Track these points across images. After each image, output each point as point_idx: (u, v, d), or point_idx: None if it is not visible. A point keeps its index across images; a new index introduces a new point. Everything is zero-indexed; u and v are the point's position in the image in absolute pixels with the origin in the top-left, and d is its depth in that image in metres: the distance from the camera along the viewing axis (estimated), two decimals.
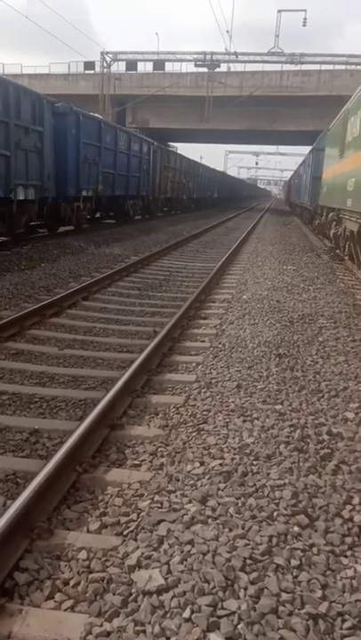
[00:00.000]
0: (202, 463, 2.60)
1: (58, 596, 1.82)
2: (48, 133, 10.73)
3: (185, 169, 26.39)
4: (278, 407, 3.27)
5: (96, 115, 16.98)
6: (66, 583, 1.88)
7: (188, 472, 2.52)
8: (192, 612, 1.67)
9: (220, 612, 1.67)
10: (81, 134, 12.44)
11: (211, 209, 34.57)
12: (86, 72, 36.94)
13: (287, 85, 33.89)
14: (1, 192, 9.11)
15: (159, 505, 2.26)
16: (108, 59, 35.13)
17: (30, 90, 10.30)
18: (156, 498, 2.32)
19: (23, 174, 9.80)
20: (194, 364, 4.22)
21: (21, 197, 9.81)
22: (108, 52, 35.30)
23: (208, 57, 32.79)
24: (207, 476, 2.47)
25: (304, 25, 32.99)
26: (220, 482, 2.42)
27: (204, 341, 4.90)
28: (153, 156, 19.78)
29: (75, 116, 12.26)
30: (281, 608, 1.69)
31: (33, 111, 10.02)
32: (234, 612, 1.67)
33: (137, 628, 1.63)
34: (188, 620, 1.65)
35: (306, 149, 25.63)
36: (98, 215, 16.13)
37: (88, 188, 13.37)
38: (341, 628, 1.63)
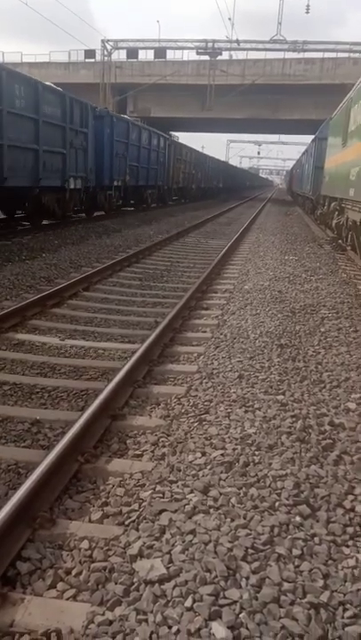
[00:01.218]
0: (203, 453, 2.60)
1: (60, 586, 1.83)
2: (91, 134, 13.15)
3: (194, 160, 28.63)
4: (280, 397, 3.27)
5: (124, 116, 18.95)
6: (68, 572, 1.89)
7: (190, 462, 2.53)
8: (194, 601, 1.68)
9: (221, 602, 1.67)
10: (114, 133, 14.96)
11: (216, 198, 35.48)
12: (87, 60, 36.66)
13: (290, 73, 33.59)
14: (59, 182, 11.57)
15: (161, 495, 2.26)
16: (108, 47, 34.82)
17: (79, 99, 12.65)
18: (158, 488, 2.32)
19: (73, 168, 12.17)
20: (195, 355, 4.22)
21: (72, 186, 12.23)
22: (108, 40, 34.98)
23: (210, 45, 32.49)
24: (209, 467, 2.48)
25: (307, 12, 32.72)
26: (221, 472, 2.42)
27: (205, 332, 4.89)
28: (168, 149, 22.03)
29: (109, 118, 14.90)
30: (283, 597, 1.70)
31: (80, 116, 12.40)
32: (236, 602, 1.67)
33: (139, 616, 1.64)
34: (189, 608, 1.65)
35: (308, 138, 25.50)
36: (119, 203, 17.73)
37: (118, 179, 15.81)
38: (343, 617, 1.64)
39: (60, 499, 2.33)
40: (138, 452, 2.73)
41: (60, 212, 12.17)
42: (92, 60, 36.25)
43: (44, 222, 12.35)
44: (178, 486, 2.32)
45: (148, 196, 20.01)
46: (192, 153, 28.37)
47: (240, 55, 34.57)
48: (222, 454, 2.57)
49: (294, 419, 2.96)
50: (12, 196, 10.33)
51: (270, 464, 2.49)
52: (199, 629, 1.57)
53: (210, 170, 34.81)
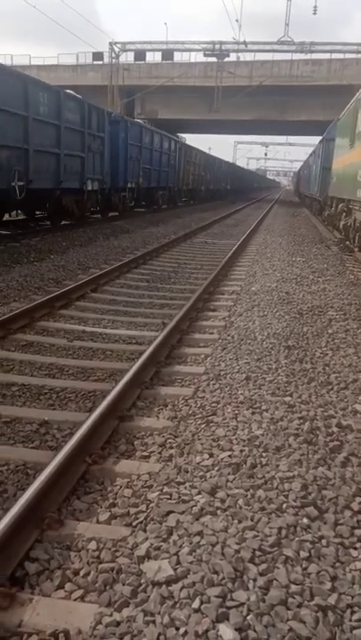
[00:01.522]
0: (211, 455, 2.60)
1: (68, 586, 1.84)
2: (107, 138, 13.90)
3: (203, 163, 29.38)
4: (287, 399, 3.26)
5: (138, 120, 20.12)
6: (76, 573, 1.90)
7: (197, 464, 2.53)
8: (201, 602, 1.68)
9: (229, 603, 1.67)
10: (128, 137, 15.66)
11: (224, 199, 35.90)
12: (95, 63, 36.77)
13: (297, 75, 33.52)
14: (77, 184, 12.30)
15: (168, 496, 2.27)
16: (116, 49, 34.91)
17: (96, 105, 13.50)
18: (166, 489, 2.32)
19: (91, 170, 12.93)
20: (203, 356, 4.22)
21: (90, 188, 12.98)
22: (116, 42, 35.07)
23: (217, 46, 32.48)
24: (216, 468, 2.48)
25: (314, 13, 32.64)
26: (229, 473, 2.42)
27: (212, 333, 4.89)
28: (178, 152, 22.84)
29: (124, 123, 15.67)
30: (290, 600, 1.69)
31: (98, 121, 13.15)
32: (243, 604, 1.67)
33: (146, 618, 1.64)
34: (197, 610, 1.65)
35: (316, 140, 25.42)
36: (132, 204, 18.39)
37: (132, 181, 16.48)
38: (351, 620, 1.63)
39: (67, 499, 2.34)
40: (145, 454, 2.73)
41: (79, 213, 12.96)
42: (100, 63, 36.36)
43: (64, 222, 13.00)
44: (185, 488, 2.33)
45: (160, 197, 20.75)
46: (201, 155, 29.22)
47: (247, 57, 34.57)
48: (230, 456, 2.57)
49: (302, 420, 2.96)
50: (35, 198, 10.89)
51: (278, 466, 2.48)
52: (207, 631, 1.57)
53: (218, 172, 35.50)
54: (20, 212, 12.77)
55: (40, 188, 10.55)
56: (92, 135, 12.73)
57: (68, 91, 11.96)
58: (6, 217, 12.29)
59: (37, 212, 13.01)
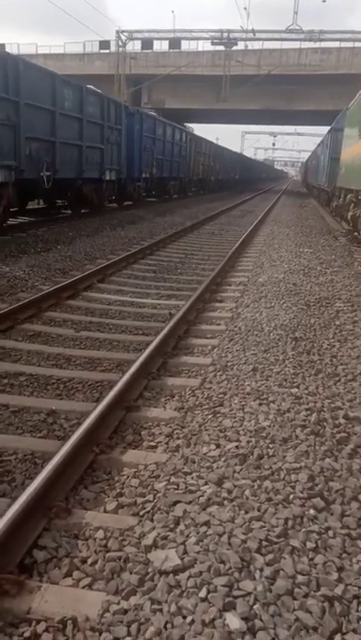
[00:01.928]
0: (218, 445, 2.61)
1: (76, 574, 1.85)
2: (123, 130, 14.58)
3: (213, 153, 29.80)
4: (295, 390, 3.26)
5: (152, 113, 20.10)
6: (83, 561, 1.91)
7: (204, 454, 2.53)
8: (208, 591, 1.69)
9: (235, 593, 1.68)
10: (143, 129, 16.31)
11: (233, 189, 36.04)
12: (102, 51, 36.51)
13: (306, 63, 33.15)
14: (97, 174, 13.02)
15: (175, 486, 2.27)
16: (123, 37, 34.66)
17: (115, 99, 14.70)
18: (173, 479, 2.33)
19: (109, 161, 13.64)
20: (210, 347, 4.22)
21: (108, 178, 13.75)
22: (123, 31, 34.81)
23: (225, 35, 32.15)
24: (223, 459, 2.48)
25: (323, 1, 32.16)
26: (235, 464, 2.43)
27: (219, 324, 4.88)
28: (189, 143, 23.44)
29: (139, 115, 16.26)
30: (297, 590, 1.70)
31: (115, 114, 13.88)
32: (250, 593, 1.68)
33: (153, 606, 1.65)
34: (204, 599, 1.66)
35: (324, 129, 25.20)
36: (144, 194, 19.10)
37: (146, 171, 17.15)
38: (358, 611, 1.64)
39: (75, 489, 2.35)
40: (152, 444, 2.74)
41: (97, 202, 13.80)
42: (107, 51, 36.11)
43: (82, 210, 13.59)
44: (192, 478, 2.33)
45: (171, 187, 21.39)
46: (211, 146, 29.65)
47: (256, 45, 34.21)
48: (236, 446, 2.58)
49: (309, 412, 2.95)
50: (59, 187, 11.34)
51: (285, 457, 2.49)
52: (213, 620, 1.58)
53: (227, 162, 35.79)
54: (41, 200, 13.26)
55: (64, 178, 11.19)
56: (110, 128, 13.46)
57: (89, 86, 12.58)
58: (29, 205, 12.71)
59: (58, 201, 13.51)
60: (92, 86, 13.00)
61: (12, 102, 8.85)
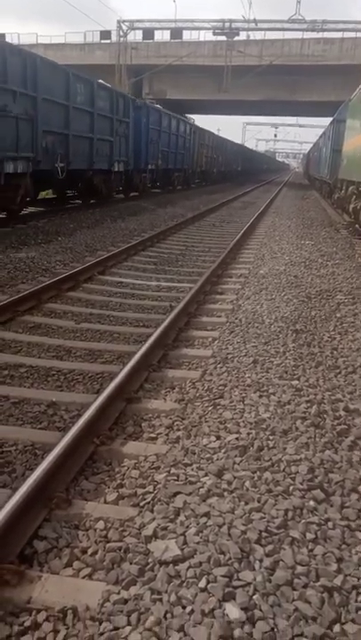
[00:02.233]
0: (218, 437, 2.61)
1: (76, 564, 1.86)
2: (131, 123, 15.16)
3: (216, 145, 30.30)
4: (295, 383, 3.26)
5: (157, 106, 20.36)
6: (84, 552, 1.92)
7: (205, 446, 2.54)
8: (208, 582, 1.70)
9: (235, 583, 1.69)
10: (149, 122, 16.91)
11: (235, 181, 36.42)
12: (102, 41, 36.19)
13: (308, 54, 32.85)
14: (106, 165, 13.54)
15: (175, 477, 2.28)
16: (124, 27, 34.34)
17: (123, 92, 15.60)
18: (173, 470, 2.34)
19: (118, 153, 14.18)
20: (210, 340, 4.21)
21: (116, 169, 14.31)
22: (124, 21, 34.49)
23: (227, 25, 31.84)
24: (223, 450, 2.49)
25: None
26: (236, 456, 2.43)
27: (220, 316, 4.88)
28: (193, 135, 23.94)
29: (146, 108, 16.81)
30: (296, 580, 1.71)
31: (124, 108, 14.48)
32: (249, 583, 1.69)
33: (153, 596, 1.66)
34: (203, 589, 1.67)
35: (326, 121, 25.07)
36: (149, 185, 19.40)
37: (152, 163, 17.70)
38: (357, 601, 1.65)
39: (75, 480, 2.36)
40: (153, 435, 2.75)
41: (106, 192, 14.37)
42: (108, 41, 35.78)
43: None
44: (192, 469, 2.34)
45: (175, 178, 22.02)
46: (214, 138, 30.27)
47: (258, 35, 33.86)
48: (237, 438, 2.58)
49: (309, 404, 2.95)
50: (71, 178, 11.75)
51: (285, 449, 2.49)
52: (213, 610, 1.59)
53: (229, 154, 36.23)
54: (50, 191, 13.74)
55: (76, 169, 11.68)
56: (119, 120, 14.05)
57: (100, 81, 13.26)
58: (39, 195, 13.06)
59: (68, 191, 14.00)
60: (102, 81, 13.68)
61: (31, 97, 9.35)
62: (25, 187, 9.71)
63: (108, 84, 14.06)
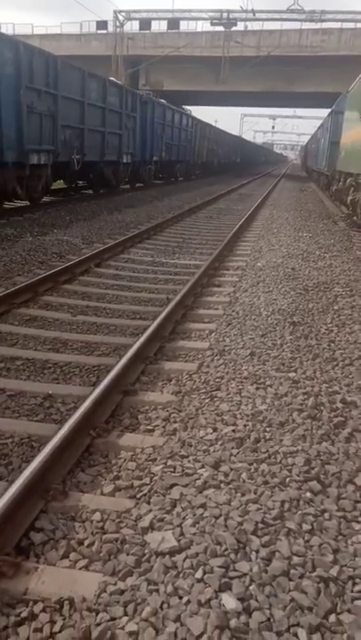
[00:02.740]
0: (215, 429, 2.61)
1: (72, 556, 1.86)
2: (138, 117, 16.15)
3: (216, 137, 31.16)
4: (292, 375, 3.26)
5: (162, 100, 20.71)
6: (80, 543, 1.92)
7: (201, 438, 2.54)
8: (204, 572, 1.70)
9: (231, 574, 1.69)
10: (154, 116, 17.90)
11: (234, 172, 36.97)
12: (99, 32, 35.85)
13: (306, 45, 32.62)
14: (116, 157, 14.52)
15: (172, 469, 2.28)
16: (120, 17, 34.01)
17: (132, 89, 16.54)
18: (169, 462, 2.34)
19: (126, 145, 15.17)
20: (207, 332, 4.21)
21: (125, 161, 15.31)
22: (121, 11, 34.14)
23: (224, 15, 31.58)
24: (220, 442, 2.49)
25: None
26: (232, 448, 2.43)
27: (217, 309, 4.87)
28: (194, 128, 24.87)
29: (151, 103, 17.77)
30: (292, 571, 1.71)
31: (132, 103, 15.48)
32: (246, 574, 1.69)
33: (150, 587, 1.66)
34: (200, 580, 1.67)
35: (324, 112, 24.97)
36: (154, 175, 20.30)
37: (157, 155, 18.70)
38: (352, 591, 1.65)
39: (72, 472, 2.36)
40: (149, 427, 2.75)
41: (115, 182, 15.40)
42: (104, 32, 35.45)
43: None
44: (189, 461, 2.34)
45: (178, 170, 23.05)
46: (214, 130, 31.13)
47: (255, 26, 33.55)
48: (233, 430, 2.58)
49: (306, 396, 2.96)
50: (85, 169, 12.63)
51: (281, 440, 2.49)
52: (209, 600, 1.60)
53: (229, 146, 37.00)
54: (61, 181, 14.09)
55: (90, 161, 12.69)
56: (127, 115, 15.03)
57: (111, 78, 14.71)
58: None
59: (79, 182, 14.83)
60: (113, 78, 15.62)
61: (52, 95, 10.35)
62: (46, 177, 10.72)
63: (118, 81, 15.29)
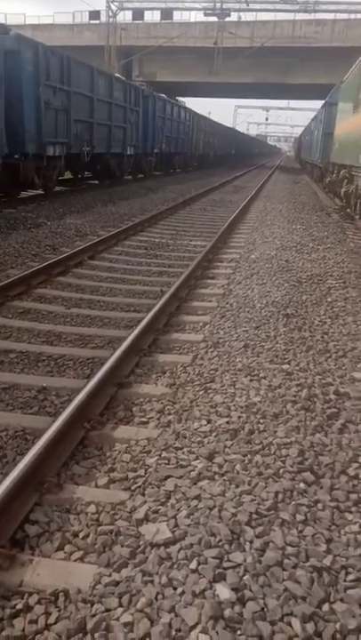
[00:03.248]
0: (209, 421, 2.62)
1: (67, 548, 1.87)
2: (140, 111, 17.07)
3: (212, 130, 31.78)
4: (286, 367, 3.27)
5: (162, 95, 21.69)
6: (75, 535, 1.93)
7: (196, 429, 2.54)
8: (198, 563, 1.71)
9: (226, 564, 1.71)
10: (156, 109, 18.78)
11: (229, 164, 37.15)
12: (91, 22, 35.59)
13: (300, 36, 32.49)
14: (120, 149, 15.49)
15: (166, 461, 2.29)
16: (113, 7, 33.72)
17: (136, 84, 17.53)
18: (164, 454, 2.34)
19: (130, 138, 16.19)
20: (201, 324, 4.21)
21: (128, 153, 16.26)
22: (113, 1, 33.84)
23: (218, 5, 31.38)
24: (214, 434, 2.49)
25: None
26: (226, 439, 2.44)
27: (211, 301, 4.87)
28: (192, 121, 25.57)
29: (152, 97, 18.65)
30: (286, 561, 1.72)
31: (135, 98, 16.43)
32: (240, 565, 1.70)
33: (145, 578, 1.67)
34: (194, 571, 1.68)
35: (318, 104, 24.92)
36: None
37: (157, 147, 19.55)
38: (345, 581, 1.67)
39: (66, 464, 2.36)
40: (144, 420, 2.75)
41: (119, 173, 16.29)
42: (97, 22, 35.19)
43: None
44: (183, 453, 2.35)
45: (176, 161, 23.96)
46: (210, 123, 31.80)
47: (249, 16, 33.43)
48: (227, 422, 2.59)
49: (300, 388, 2.97)
50: (92, 160, 13.54)
51: (275, 432, 2.50)
52: (204, 591, 1.61)
53: (225, 138, 37.69)
54: (68, 171, 14.53)
55: (98, 153, 13.66)
56: (131, 109, 16.01)
57: (117, 75, 15.80)
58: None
59: (87, 172, 15.44)
60: (118, 74, 16.82)
61: (65, 92, 11.24)
62: (59, 167, 11.77)
63: (122, 77, 16.33)
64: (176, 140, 22.51)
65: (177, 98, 30.20)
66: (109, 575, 1.71)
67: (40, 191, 11.60)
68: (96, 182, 15.60)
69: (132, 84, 17.10)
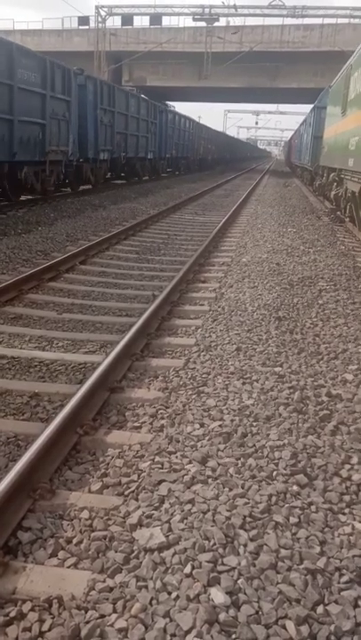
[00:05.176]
0: (202, 425, 2.62)
1: (61, 554, 1.86)
2: (158, 123, 21.00)
3: (210, 137, 36.11)
4: (278, 369, 3.27)
5: (171, 108, 25.92)
6: (69, 541, 1.91)
7: (189, 433, 2.54)
8: (193, 567, 1.70)
9: (220, 568, 1.70)
10: (168, 121, 22.88)
11: (224, 167, 40.38)
12: (80, 27, 35.62)
13: (288, 40, 32.73)
14: (144, 154, 19.40)
15: (160, 466, 2.28)
16: (102, 13, 33.81)
17: (143, 96, 20.63)
18: (157, 459, 2.34)
19: (151, 145, 20.26)
20: (193, 328, 4.21)
21: (150, 157, 20.38)
22: (102, 6, 33.96)
23: (206, 10, 31.56)
24: (207, 438, 2.49)
25: None
26: (219, 443, 2.44)
27: (203, 305, 4.88)
28: (195, 129, 29.68)
29: (165, 111, 22.67)
30: (280, 564, 1.72)
31: (154, 112, 20.49)
32: (234, 568, 1.70)
33: (139, 583, 1.67)
34: (188, 575, 1.68)
35: (307, 108, 25.03)
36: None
37: (169, 152, 23.62)
38: (339, 582, 1.67)
39: (59, 470, 2.35)
40: (137, 424, 2.74)
41: (142, 173, 19.87)
42: (86, 28, 35.23)
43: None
44: (177, 457, 2.34)
45: (182, 165, 27.96)
46: (208, 130, 35.72)
47: (237, 21, 33.62)
48: (220, 425, 2.59)
49: (292, 390, 2.97)
50: (125, 163, 17.39)
51: (268, 435, 2.51)
52: (198, 595, 1.60)
53: (220, 143, 42.39)
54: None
55: (129, 157, 17.51)
56: (151, 122, 19.92)
57: (142, 96, 19.88)
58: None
59: (122, 173, 18.83)
60: (143, 95, 21.29)
61: (110, 112, 15.38)
62: (105, 168, 16.04)
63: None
64: (182, 146, 26.66)
65: (167, 102, 30.59)
66: (103, 581, 1.70)
67: (89, 186, 15.01)
68: (123, 182, 18.65)
69: (146, 99, 20.52)
